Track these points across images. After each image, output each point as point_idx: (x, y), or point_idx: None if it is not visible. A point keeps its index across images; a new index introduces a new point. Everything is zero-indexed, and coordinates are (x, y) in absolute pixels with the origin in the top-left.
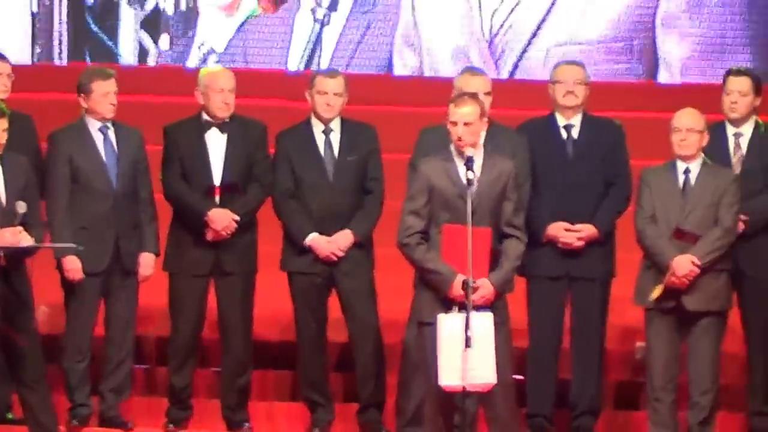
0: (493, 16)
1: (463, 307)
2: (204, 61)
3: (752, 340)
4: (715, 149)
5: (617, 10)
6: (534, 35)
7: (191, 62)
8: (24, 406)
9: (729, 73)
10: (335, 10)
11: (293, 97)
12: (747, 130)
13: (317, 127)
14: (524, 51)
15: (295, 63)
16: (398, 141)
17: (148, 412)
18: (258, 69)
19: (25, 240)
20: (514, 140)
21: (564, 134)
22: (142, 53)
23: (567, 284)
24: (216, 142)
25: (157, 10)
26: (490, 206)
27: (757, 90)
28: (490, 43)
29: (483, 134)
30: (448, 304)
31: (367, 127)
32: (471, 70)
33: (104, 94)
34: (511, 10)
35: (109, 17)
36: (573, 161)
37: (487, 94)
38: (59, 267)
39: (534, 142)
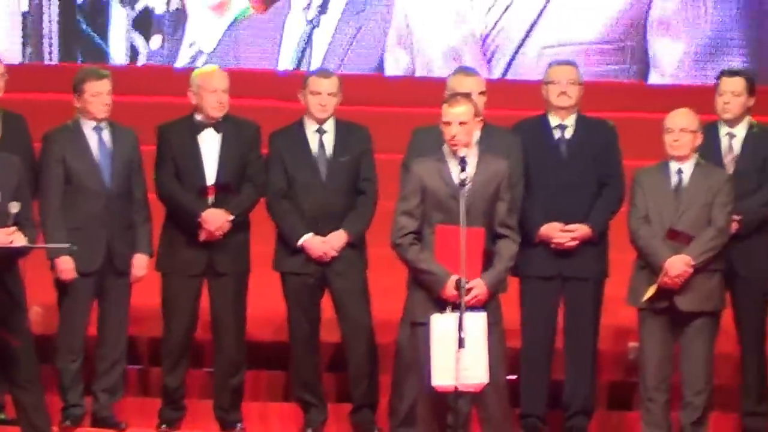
0: (485, 16)
1: (456, 307)
2: (193, 61)
3: (745, 340)
4: (709, 149)
5: (610, 11)
6: (526, 36)
7: (180, 62)
8: (17, 406)
9: (722, 73)
10: (326, 10)
11: (284, 98)
12: (740, 130)
13: (310, 128)
14: (517, 51)
15: (285, 63)
16: (391, 141)
17: (141, 412)
18: (249, 69)
19: (18, 240)
20: (508, 140)
21: (557, 134)
22: (133, 53)
23: (560, 284)
24: (209, 143)
25: (148, 10)
26: (483, 206)
27: (751, 90)
28: (483, 43)
29: (477, 134)
30: (441, 304)
31: (360, 128)
32: (464, 71)
33: (96, 94)
34: (504, 11)
35: (99, 17)
36: (566, 161)
37: (481, 94)
38: (53, 267)
39: (527, 142)
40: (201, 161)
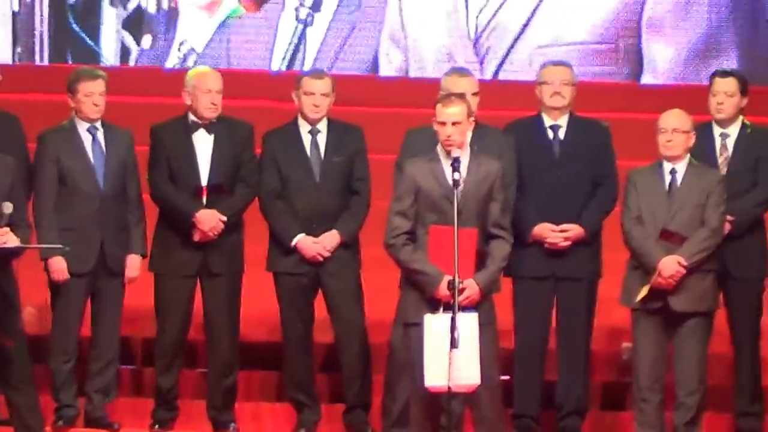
0: (478, 16)
1: (449, 307)
2: (184, 61)
3: (738, 340)
4: (702, 150)
5: (603, 11)
6: (519, 36)
7: (170, 62)
8: (10, 407)
9: (715, 74)
10: (319, 10)
11: (277, 98)
12: (733, 131)
13: (304, 128)
14: (509, 52)
15: (278, 63)
16: (384, 142)
17: (134, 412)
18: (241, 69)
19: (12, 240)
20: (501, 140)
21: (551, 135)
22: (124, 53)
23: (553, 284)
24: (203, 143)
25: (139, 10)
26: (476, 207)
27: (744, 91)
28: (475, 43)
29: (469, 134)
30: (434, 304)
31: (354, 128)
32: (458, 71)
33: (88, 94)
34: (497, 11)
35: (90, 17)
36: (560, 162)
37: (475, 94)
38: (46, 268)
39: (520, 142)
40: (195, 162)
